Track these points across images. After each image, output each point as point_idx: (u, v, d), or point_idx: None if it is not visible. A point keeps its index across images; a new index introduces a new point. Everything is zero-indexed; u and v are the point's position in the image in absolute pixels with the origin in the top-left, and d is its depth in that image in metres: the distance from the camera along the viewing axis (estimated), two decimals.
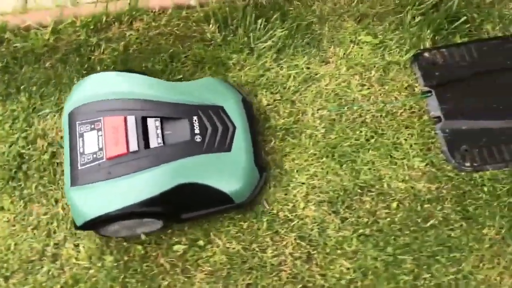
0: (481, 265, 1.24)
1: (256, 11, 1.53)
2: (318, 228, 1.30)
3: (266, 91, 1.47)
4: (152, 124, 1.19)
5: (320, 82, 1.48)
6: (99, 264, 1.25)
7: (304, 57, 1.51)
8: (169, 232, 1.29)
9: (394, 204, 1.31)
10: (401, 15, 1.56)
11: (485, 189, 1.32)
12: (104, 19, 1.53)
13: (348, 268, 1.24)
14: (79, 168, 1.14)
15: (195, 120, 1.21)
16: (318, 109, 1.44)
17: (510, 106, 1.43)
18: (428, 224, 1.29)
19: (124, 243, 1.28)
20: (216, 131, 1.22)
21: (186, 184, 1.15)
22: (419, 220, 1.29)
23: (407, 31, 1.54)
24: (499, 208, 1.29)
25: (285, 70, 1.49)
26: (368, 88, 1.48)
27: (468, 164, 1.36)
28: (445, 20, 1.54)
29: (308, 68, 1.50)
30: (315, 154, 1.37)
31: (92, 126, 1.17)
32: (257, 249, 1.28)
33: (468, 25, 1.55)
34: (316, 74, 1.49)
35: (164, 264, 1.27)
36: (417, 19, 1.54)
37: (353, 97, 1.46)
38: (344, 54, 1.52)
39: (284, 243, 1.28)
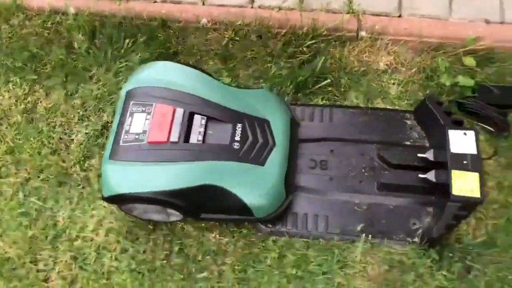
0: None
1: (125, 31, 1.66)
2: (97, 254, 1.37)
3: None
4: (198, 121, 1.30)
5: None
6: None
7: None
8: None
9: (177, 248, 1.38)
10: (268, 65, 1.64)
11: (273, 254, 1.36)
12: None
13: None
14: (121, 144, 1.26)
15: (239, 127, 1.31)
16: None
17: (341, 179, 1.46)
18: (201, 275, 1.34)
19: None
20: (255, 143, 1.31)
21: (212, 186, 1.24)
22: (194, 269, 1.35)
23: (269, 82, 1.61)
24: (279, 278, 1.33)
25: None
26: None
27: (270, 225, 1.39)
28: (309, 78, 1.60)
29: None
30: None
31: (144, 108, 1.29)
32: (29, 259, 1.37)
33: (331, 88, 1.61)
34: None
35: None
36: (283, 72, 1.61)
37: None
38: None
39: (58, 260, 1.37)
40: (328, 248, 1.36)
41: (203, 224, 1.40)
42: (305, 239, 1.38)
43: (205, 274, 1.34)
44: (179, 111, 1.30)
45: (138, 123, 1.29)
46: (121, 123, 1.30)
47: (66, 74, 1.64)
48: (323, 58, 1.62)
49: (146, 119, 1.29)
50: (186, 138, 1.28)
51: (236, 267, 1.35)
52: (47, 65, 1.66)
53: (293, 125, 1.45)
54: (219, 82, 1.43)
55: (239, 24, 1.68)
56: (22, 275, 1.35)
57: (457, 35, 1.63)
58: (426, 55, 1.66)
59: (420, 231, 1.38)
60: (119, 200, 1.28)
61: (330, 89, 1.62)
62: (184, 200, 1.25)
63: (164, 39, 1.68)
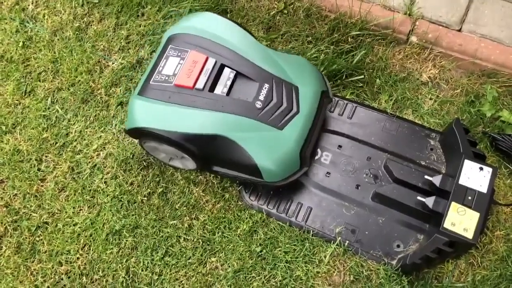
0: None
1: None
2: (91, 171, 1.41)
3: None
4: (227, 74, 1.26)
5: None
6: None
7: None
8: None
9: (160, 190, 1.36)
10: (308, 46, 1.53)
11: (245, 226, 1.29)
12: None
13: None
14: (151, 82, 1.26)
15: (265, 88, 1.25)
16: None
17: (338, 177, 1.34)
18: (172, 222, 1.32)
19: None
20: (279, 106, 1.24)
21: (225, 138, 1.20)
22: (168, 215, 1.34)
23: None
24: (242, 250, 1.27)
25: None
26: None
27: (253, 198, 1.33)
28: (344, 69, 1.47)
29: None
30: None
31: (179, 53, 1.28)
32: (35, 157, 1.44)
33: (363, 85, 1.47)
34: None
35: None
36: (319, 55, 1.50)
37: None
38: None
39: (58, 166, 1.43)
40: (301, 240, 1.27)
41: (192, 177, 1.37)
42: (281, 223, 1.30)
43: (176, 222, 1.31)
44: (211, 61, 1.25)
45: (171, 66, 1.26)
46: (156, 64, 1.29)
47: (122, 5, 1.65)
48: (364, 52, 1.47)
49: (178, 63, 1.26)
50: (212, 88, 1.24)
51: (206, 226, 1.30)
52: None
53: (323, 98, 1.31)
54: (257, 41, 1.35)
55: None
56: (24, 169, 1.41)
57: None
58: (475, 79, 1.45)
59: (402, 255, 1.25)
60: (139, 134, 1.26)
61: (362, 85, 1.48)
62: (197, 147, 1.21)
63: None
